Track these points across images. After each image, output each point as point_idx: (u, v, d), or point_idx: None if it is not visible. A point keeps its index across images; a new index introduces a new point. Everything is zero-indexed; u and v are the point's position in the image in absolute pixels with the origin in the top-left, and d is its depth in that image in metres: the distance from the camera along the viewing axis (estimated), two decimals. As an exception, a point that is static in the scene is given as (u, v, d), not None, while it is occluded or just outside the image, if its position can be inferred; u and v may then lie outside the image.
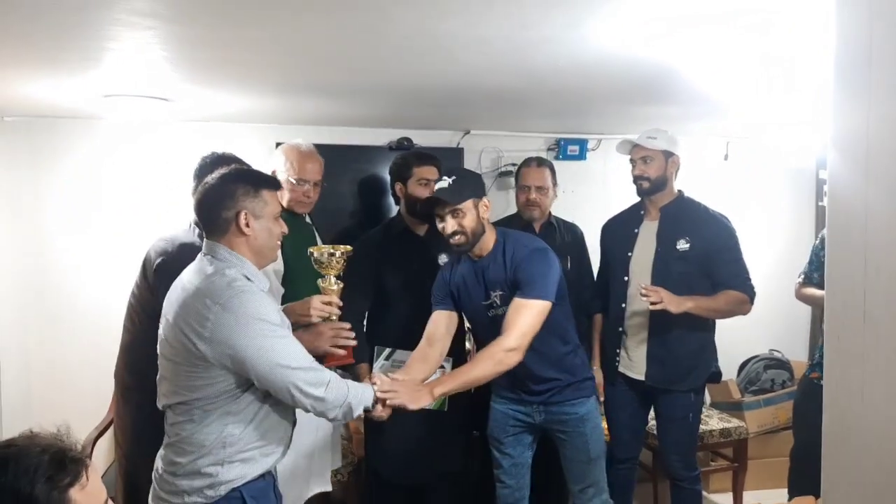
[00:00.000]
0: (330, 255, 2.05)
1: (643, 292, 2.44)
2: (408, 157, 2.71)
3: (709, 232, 2.63)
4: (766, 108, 2.92)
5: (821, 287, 2.69)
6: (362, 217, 3.50)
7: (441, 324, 2.33)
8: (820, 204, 4.24)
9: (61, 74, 2.27)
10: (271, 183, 1.78)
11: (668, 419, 2.73)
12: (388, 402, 1.93)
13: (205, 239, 1.76)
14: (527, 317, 2.14)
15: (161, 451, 1.79)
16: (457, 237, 2.21)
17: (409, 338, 2.57)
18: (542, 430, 2.43)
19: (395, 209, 2.83)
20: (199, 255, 1.75)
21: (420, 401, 2.01)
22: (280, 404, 1.82)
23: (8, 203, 3.15)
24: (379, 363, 2.57)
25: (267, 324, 1.65)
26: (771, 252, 3.88)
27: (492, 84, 2.42)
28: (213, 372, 1.64)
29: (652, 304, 2.43)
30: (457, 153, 3.60)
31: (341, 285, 2.10)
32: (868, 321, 0.98)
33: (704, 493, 3.69)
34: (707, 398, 3.98)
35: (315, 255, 2.08)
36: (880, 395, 0.96)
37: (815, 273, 2.78)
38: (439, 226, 2.25)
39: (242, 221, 1.69)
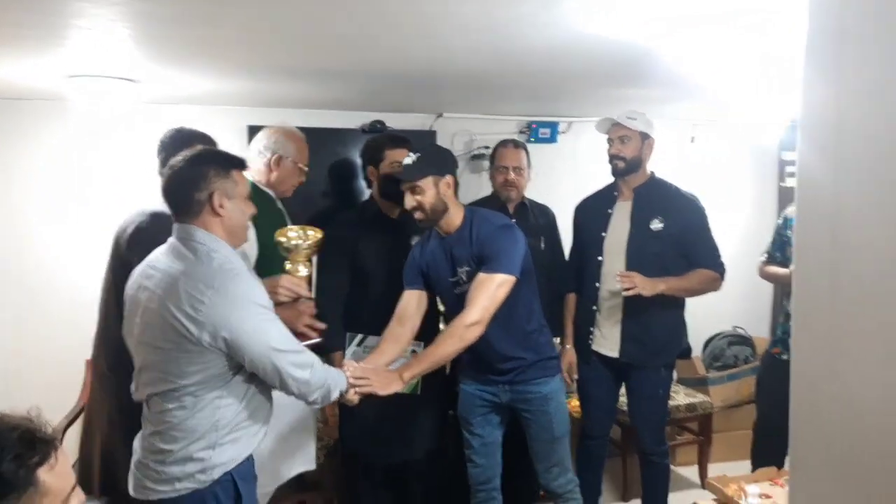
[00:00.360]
0: (296, 244, 2.08)
1: (618, 279, 2.51)
2: (380, 139, 2.71)
3: (682, 212, 2.70)
4: (734, 91, 2.98)
5: (783, 265, 2.81)
6: (335, 200, 3.49)
7: (411, 303, 2.36)
8: (782, 184, 4.37)
9: (23, 53, 2.20)
10: (239, 163, 1.77)
11: (640, 396, 2.81)
12: (358, 389, 1.98)
13: (175, 223, 1.72)
14: (489, 290, 2.18)
15: (142, 440, 1.76)
16: (416, 213, 2.28)
17: (384, 321, 2.57)
18: (510, 409, 2.47)
19: (367, 192, 2.83)
20: (172, 240, 1.72)
21: (390, 386, 2.08)
22: (264, 384, 1.83)
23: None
24: (351, 349, 2.59)
25: (260, 307, 1.67)
26: (735, 231, 3.99)
27: (466, 66, 2.42)
28: (206, 356, 1.64)
29: (625, 289, 2.50)
30: (429, 136, 3.60)
31: (309, 271, 2.13)
32: (837, 298, 1.03)
33: (672, 466, 3.82)
34: (674, 374, 4.10)
35: (283, 242, 2.09)
36: (850, 372, 1.01)
37: (777, 252, 2.89)
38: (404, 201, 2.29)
39: (216, 202, 1.68)
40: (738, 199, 4.27)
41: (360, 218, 2.69)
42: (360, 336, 2.61)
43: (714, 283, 2.73)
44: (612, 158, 2.71)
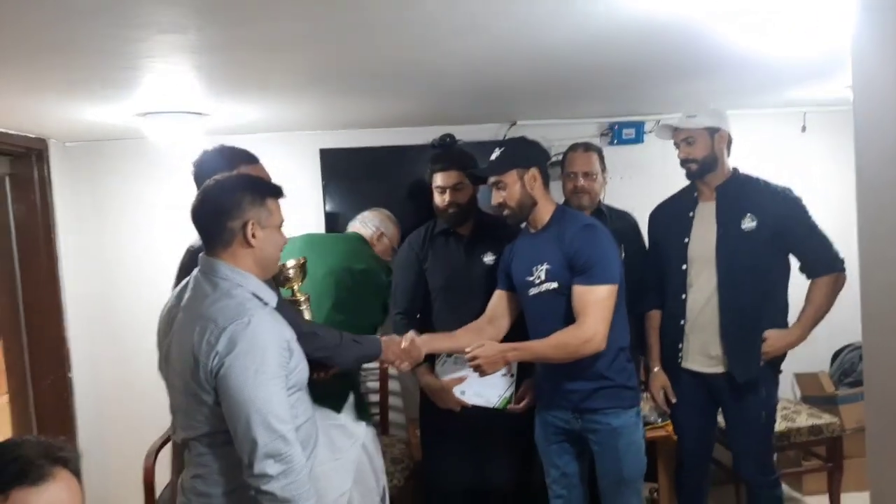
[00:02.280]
0: (291, 268, 2.07)
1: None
2: (431, 161, 2.64)
3: (775, 206, 2.40)
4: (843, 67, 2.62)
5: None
6: (415, 218, 3.42)
7: (498, 303, 2.36)
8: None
9: (94, 97, 2.35)
10: (275, 191, 1.69)
11: (740, 419, 2.50)
12: (469, 352, 2.12)
13: (202, 255, 1.66)
14: (595, 303, 2.08)
15: (185, 481, 1.72)
16: (503, 210, 2.23)
17: None
18: (584, 439, 2.26)
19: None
20: (196, 273, 1.66)
21: (496, 366, 2.16)
22: (310, 411, 1.77)
23: (74, 224, 3.31)
24: (441, 360, 2.52)
25: (270, 364, 1.54)
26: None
27: (535, 65, 2.28)
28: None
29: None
30: (504, 146, 3.47)
31: (308, 295, 2.12)
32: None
33: (798, 494, 3.40)
34: (797, 392, 3.66)
35: (280, 272, 2.04)
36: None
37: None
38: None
39: (249, 232, 1.60)
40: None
41: (428, 234, 2.65)
42: None
43: (836, 285, 2.41)
44: (683, 163, 2.49)
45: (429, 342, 2.29)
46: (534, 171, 2.19)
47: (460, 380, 2.46)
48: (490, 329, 2.33)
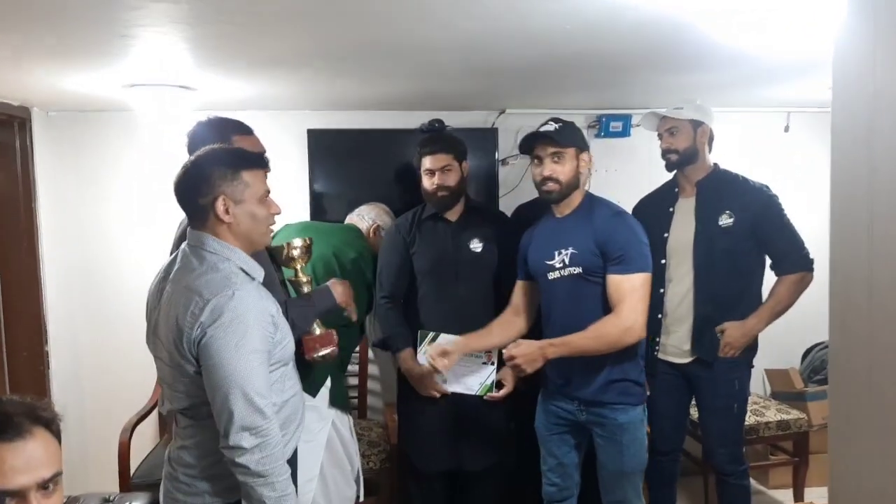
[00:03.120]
0: (290, 247, 2.06)
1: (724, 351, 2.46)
2: (419, 145, 2.65)
3: (752, 203, 2.46)
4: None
5: None
6: (402, 203, 3.42)
7: (520, 294, 2.37)
8: None
9: (83, 64, 2.31)
10: (252, 161, 1.65)
11: (712, 409, 2.57)
12: (508, 352, 2.09)
13: (189, 229, 1.66)
14: (631, 291, 2.08)
15: (171, 452, 1.73)
16: (550, 184, 2.17)
17: (440, 323, 2.55)
18: (587, 430, 2.28)
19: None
20: (184, 246, 1.65)
21: (535, 364, 2.10)
22: (297, 386, 1.78)
23: (56, 195, 3.27)
24: (423, 348, 2.55)
25: (254, 340, 1.54)
26: (838, 230, 3.59)
27: (526, 50, 2.27)
28: None
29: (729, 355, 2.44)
30: (491, 134, 3.48)
31: (310, 277, 2.11)
32: (874, 300, 0.84)
33: (763, 488, 3.49)
34: (767, 388, 3.74)
35: (288, 251, 2.07)
36: (888, 381, 0.82)
37: None
38: (535, 171, 2.21)
39: (221, 208, 1.58)
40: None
41: (416, 219, 2.66)
42: (432, 334, 2.57)
43: (802, 283, 2.47)
44: (665, 153, 2.54)
45: (465, 345, 2.33)
46: (586, 156, 2.21)
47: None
48: (518, 321, 2.35)
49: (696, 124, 2.49)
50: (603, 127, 3.58)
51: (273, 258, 2.03)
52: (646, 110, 3.58)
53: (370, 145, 3.40)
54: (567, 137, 2.16)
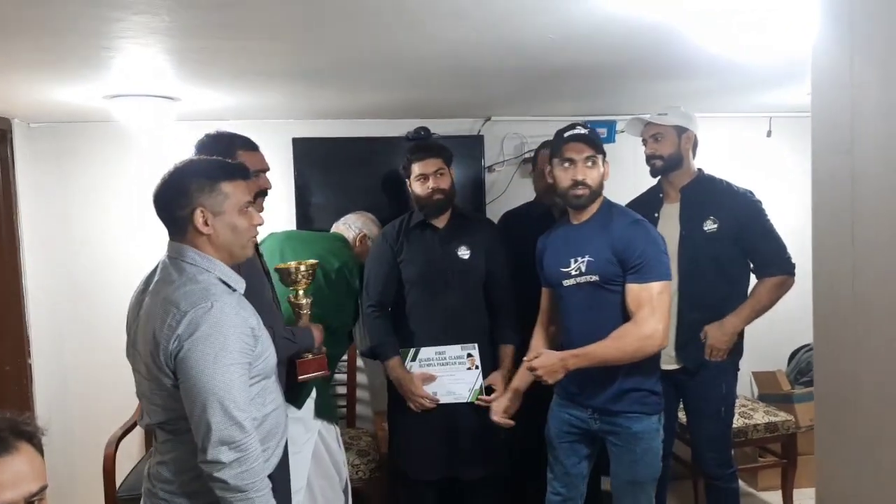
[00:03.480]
0: (297, 270, 2.06)
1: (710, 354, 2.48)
2: (408, 153, 2.65)
3: (736, 209, 2.48)
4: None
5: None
6: (388, 212, 3.41)
7: (548, 301, 2.39)
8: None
9: (64, 78, 2.29)
10: (231, 172, 1.62)
11: (700, 414, 2.58)
12: (529, 363, 2.10)
13: (169, 240, 1.64)
14: (651, 300, 2.05)
15: (150, 467, 1.70)
16: (580, 188, 2.12)
17: (429, 331, 2.55)
18: (600, 439, 2.24)
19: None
20: (163, 258, 1.63)
21: (555, 376, 2.09)
22: (279, 400, 1.76)
23: (38, 207, 3.23)
24: (407, 365, 2.56)
25: (233, 351, 1.51)
26: (821, 233, 3.62)
27: (512, 58, 2.28)
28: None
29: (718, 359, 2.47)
30: (477, 141, 3.49)
31: (310, 300, 2.10)
32: (858, 305, 0.84)
33: (753, 490, 3.50)
34: (755, 390, 3.76)
35: (283, 269, 2.07)
36: (873, 388, 0.82)
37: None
38: (562, 174, 2.14)
39: (199, 220, 1.56)
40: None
41: (403, 227, 2.65)
42: (412, 351, 2.57)
43: (783, 287, 2.49)
44: (649, 159, 2.56)
45: (522, 378, 2.32)
46: (608, 163, 2.18)
47: (431, 377, 2.50)
48: (553, 329, 2.37)
49: (681, 130, 2.51)
50: (588, 133, 3.58)
51: (281, 277, 2.07)
52: (630, 116, 3.63)
53: (356, 154, 3.40)
54: (600, 143, 2.16)
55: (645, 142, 2.58)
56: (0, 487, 1.05)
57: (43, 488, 1.10)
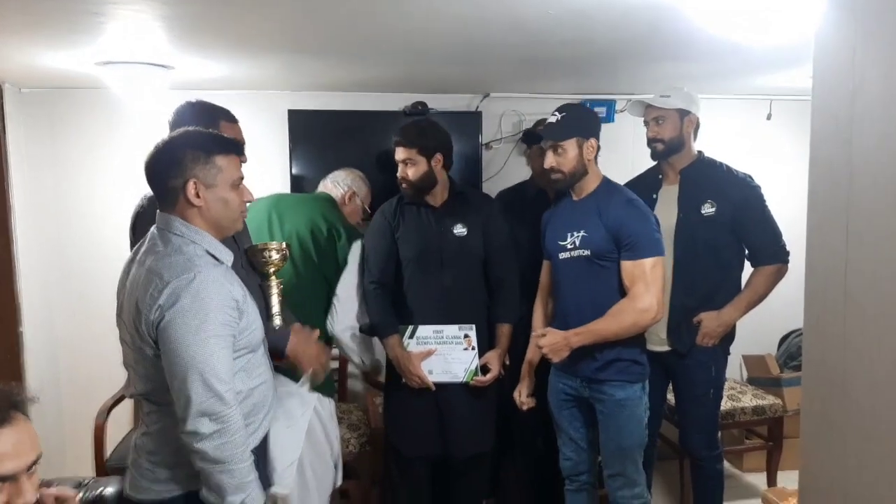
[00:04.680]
0: (266, 251, 1.95)
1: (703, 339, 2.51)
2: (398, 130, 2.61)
3: (735, 193, 2.47)
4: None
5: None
6: (382, 186, 3.38)
7: (546, 274, 2.47)
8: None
9: (55, 41, 2.25)
10: (227, 147, 1.61)
11: (688, 395, 2.60)
12: (538, 341, 2.21)
13: (158, 211, 1.62)
14: (643, 275, 2.16)
15: (136, 439, 1.70)
16: (554, 174, 2.27)
17: (425, 309, 2.55)
18: (593, 406, 2.35)
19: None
20: (153, 229, 1.62)
21: (560, 354, 2.20)
22: (267, 374, 1.76)
23: (28, 174, 3.19)
24: (405, 341, 2.55)
25: (215, 322, 1.50)
26: (817, 218, 3.62)
27: (512, 33, 2.25)
28: None
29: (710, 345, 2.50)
30: (475, 117, 3.45)
31: (280, 282, 2.00)
32: (849, 300, 0.84)
33: (737, 471, 3.55)
34: (744, 373, 3.79)
35: (255, 254, 1.96)
36: (862, 384, 0.82)
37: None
38: (543, 160, 2.31)
39: (191, 191, 1.55)
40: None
41: (400, 204, 2.63)
42: (410, 328, 2.56)
43: (778, 275, 2.50)
44: (651, 142, 2.54)
45: (534, 351, 2.42)
46: (593, 141, 2.26)
47: (428, 353, 2.51)
48: (552, 302, 2.45)
49: (683, 113, 2.49)
50: (587, 112, 3.55)
51: (248, 258, 1.97)
52: (630, 96, 3.59)
53: (352, 127, 3.36)
54: (566, 130, 2.22)
55: (647, 124, 2.55)
56: (2, 458, 1.07)
57: (39, 456, 1.13)
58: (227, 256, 1.64)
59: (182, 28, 2.10)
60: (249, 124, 2.18)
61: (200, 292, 1.50)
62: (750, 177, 2.53)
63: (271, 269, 1.96)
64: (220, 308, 1.52)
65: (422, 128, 2.56)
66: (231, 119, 2.07)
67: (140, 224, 1.95)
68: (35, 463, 1.12)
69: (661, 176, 2.58)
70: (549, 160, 2.25)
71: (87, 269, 3.30)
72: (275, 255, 1.96)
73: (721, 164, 2.55)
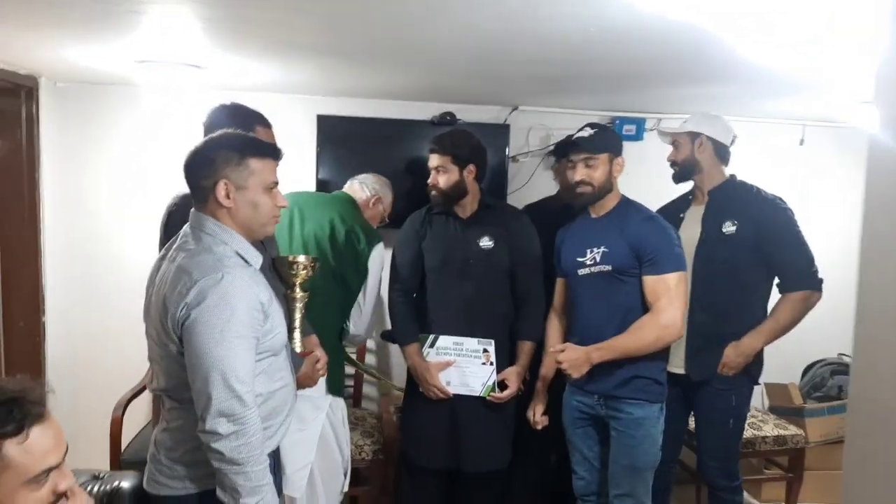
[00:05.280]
0: (295, 264, 1.95)
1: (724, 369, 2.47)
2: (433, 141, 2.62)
3: (760, 214, 2.43)
4: (844, 83, 2.62)
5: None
6: (407, 195, 3.36)
7: (560, 292, 2.47)
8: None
9: (94, 37, 2.27)
10: (261, 150, 1.62)
11: (709, 423, 2.54)
12: (557, 357, 2.20)
13: (192, 210, 1.64)
14: (667, 291, 2.15)
15: (157, 434, 1.71)
16: (582, 187, 2.27)
17: (444, 319, 2.54)
18: (607, 424, 2.31)
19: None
20: (185, 227, 1.64)
21: (581, 369, 2.18)
22: (288, 378, 1.75)
23: (60, 166, 3.23)
24: (425, 351, 2.55)
25: (239, 323, 1.51)
26: (848, 245, 3.54)
27: (542, 49, 2.23)
28: None
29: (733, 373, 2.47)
30: (503, 130, 3.44)
31: (307, 293, 1.99)
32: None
33: (755, 501, 3.46)
34: (765, 401, 3.72)
35: (283, 265, 1.96)
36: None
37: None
38: (569, 173, 2.33)
39: (221, 192, 1.56)
40: (852, 209, 3.79)
41: (429, 214, 2.63)
42: (431, 337, 2.56)
43: (807, 303, 2.43)
44: (670, 165, 2.59)
45: (549, 367, 2.41)
46: (620, 160, 2.29)
47: (447, 364, 2.49)
48: (566, 319, 2.45)
49: (694, 136, 2.51)
50: (616, 129, 3.53)
51: (275, 268, 1.97)
52: (660, 115, 3.58)
53: (380, 135, 3.37)
54: (600, 144, 2.24)
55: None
56: (45, 453, 1.10)
57: (67, 447, 1.17)
58: (257, 259, 1.65)
59: (219, 29, 2.12)
60: (278, 127, 2.19)
61: (227, 292, 1.50)
62: (780, 199, 2.49)
63: (297, 282, 1.96)
64: (245, 309, 1.53)
65: (458, 137, 2.57)
66: (265, 123, 2.08)
67: (171, 222, 1.97)
68: (66, 452, 1.16)
69: (691, 197, 2.60)
70: (581, 172, 2.25)
71: (111, 264, 3.33)
72: (302, 270, 1.96)
73: (752, 186, 2.52)
